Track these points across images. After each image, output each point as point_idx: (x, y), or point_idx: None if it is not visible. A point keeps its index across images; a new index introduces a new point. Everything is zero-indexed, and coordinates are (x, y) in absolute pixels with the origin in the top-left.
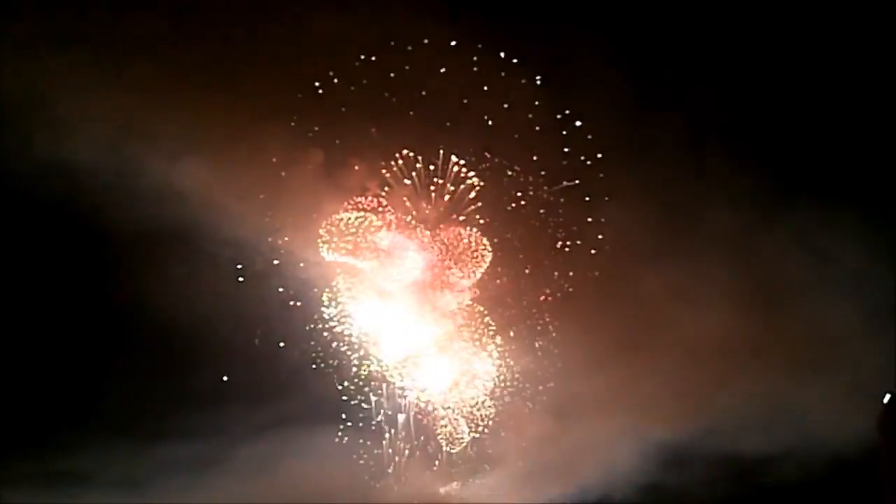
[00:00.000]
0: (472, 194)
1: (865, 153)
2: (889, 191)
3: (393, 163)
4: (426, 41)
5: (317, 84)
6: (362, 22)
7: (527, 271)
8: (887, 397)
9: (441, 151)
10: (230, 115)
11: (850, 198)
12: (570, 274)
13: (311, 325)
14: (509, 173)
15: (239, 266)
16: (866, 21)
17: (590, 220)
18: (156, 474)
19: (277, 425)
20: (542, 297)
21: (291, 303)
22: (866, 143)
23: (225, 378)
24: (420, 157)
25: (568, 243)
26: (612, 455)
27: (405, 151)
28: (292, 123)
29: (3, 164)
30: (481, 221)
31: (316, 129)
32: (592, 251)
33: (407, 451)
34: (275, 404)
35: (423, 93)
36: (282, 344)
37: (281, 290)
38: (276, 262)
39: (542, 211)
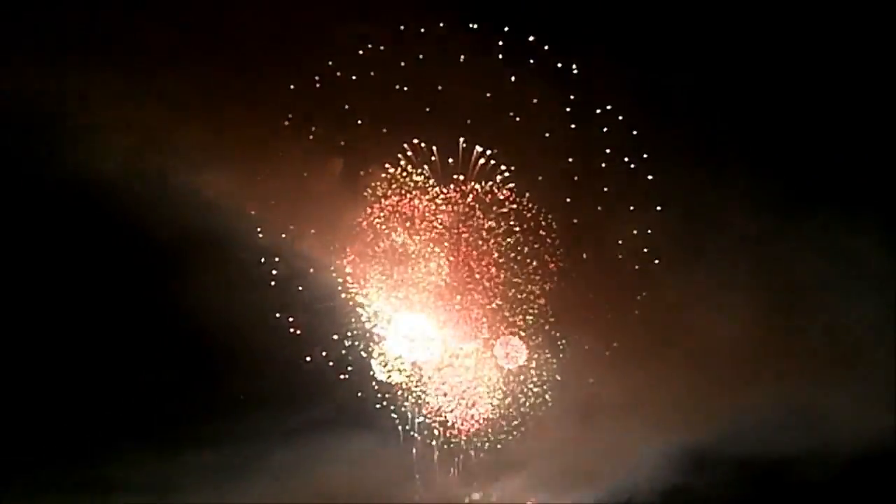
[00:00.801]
0: (500, 195)
1: (886, 156)
2: None
3: (402, 157)
4: (442, 24)
5: (328, 85)
6: (379, 24)
7: (554, 280)
8: None
9: (461, 143)
10: (251, 125)
11: (870, 200)
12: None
13: (337, 331)
14: (539, 178)
15: (265, 272)
16: (883, 27)
17: (635, 231)
18: (186, 480)
19: (307, 431)
20: (569, 305)
21: (317, 308)
22: (887, 146)
23: (242, 397)
24: (435, 149)
25: (600, 253)
26: (636, 458)
27: (416, 141)
28: (310, 131)
29: (35, 173)
30: (509, 224)
31: (333, 133)
32: (636, 266)
33: (433, 456)
34: (304, 411)
35: (440, 87)
36: (308, 352)
37: (306, 296)
38: (300, 268)
39: (574, 220)
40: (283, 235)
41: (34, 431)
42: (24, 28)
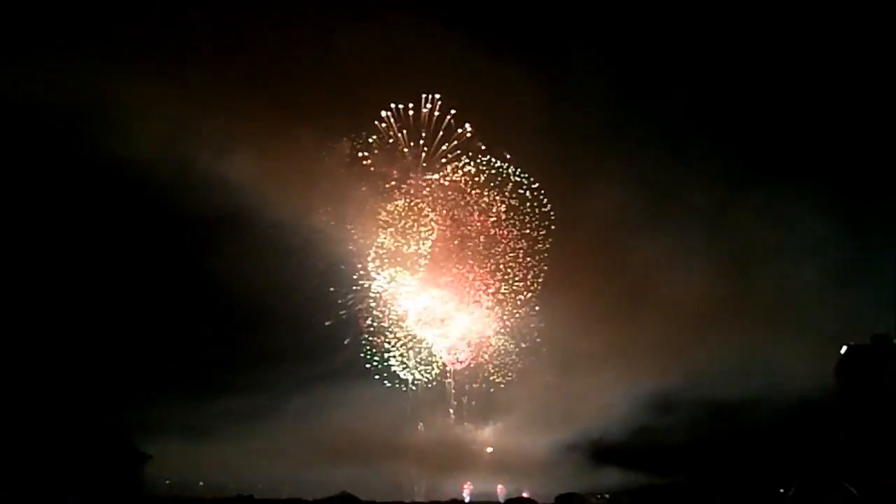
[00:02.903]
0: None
1: (823, 134)
2: (843, 166)
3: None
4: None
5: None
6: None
7: (537, 247)
8: (844, 348)
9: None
10: (268, 115)
11: (809, 173)
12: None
13: (346, 293)
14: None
15: (282, 243)
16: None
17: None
18: (217, 424)
19: (321, 380)
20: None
21: (327, 274)
22: (823, 126)
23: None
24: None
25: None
26: (608, 401)
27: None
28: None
29: (78, 162)
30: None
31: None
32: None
33: (431, 401)
34: (318, 362)
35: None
36: (320, 312)
37: (318, 263)
38: (313, 239)
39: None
40: (298, 211)
41: (93, 382)
42: (76, 32)
